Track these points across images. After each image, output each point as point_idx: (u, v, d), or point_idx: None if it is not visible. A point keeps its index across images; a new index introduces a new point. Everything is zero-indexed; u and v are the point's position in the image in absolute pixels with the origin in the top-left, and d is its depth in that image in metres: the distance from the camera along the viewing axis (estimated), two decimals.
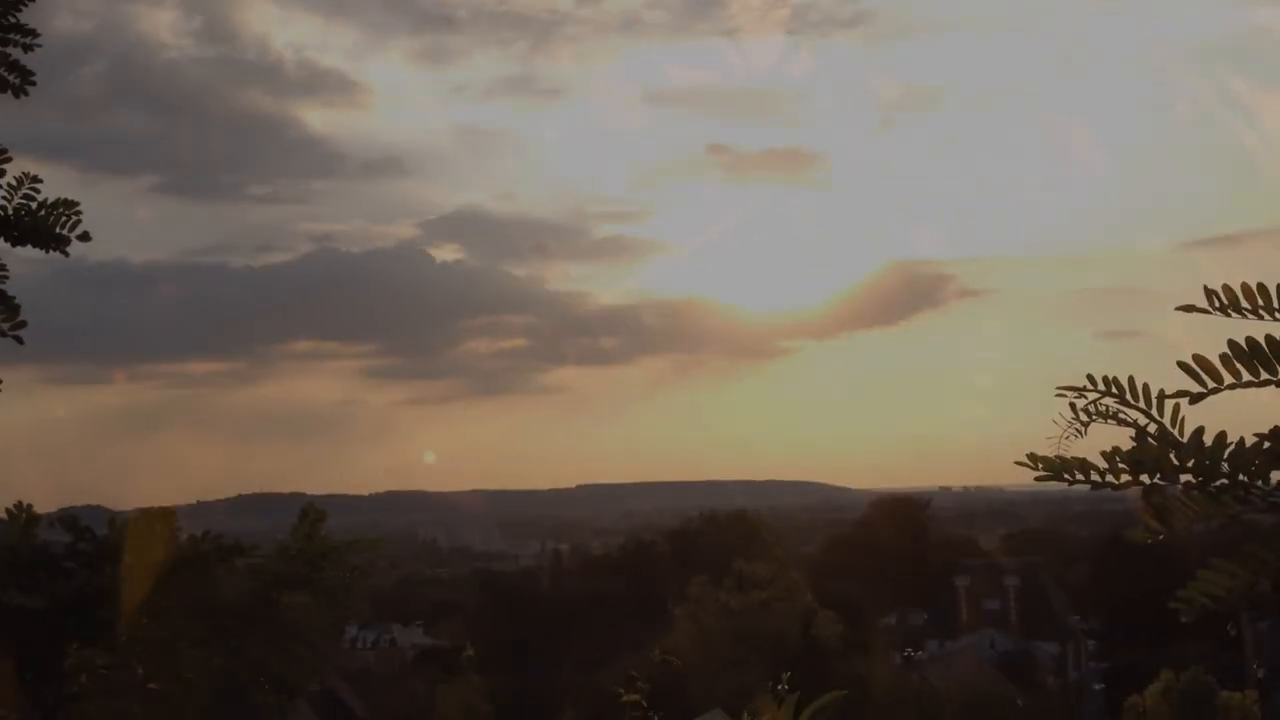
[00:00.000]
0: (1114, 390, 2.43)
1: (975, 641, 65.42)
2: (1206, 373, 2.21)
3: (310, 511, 3.48)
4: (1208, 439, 2.37)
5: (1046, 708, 46.87)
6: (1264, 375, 2.17)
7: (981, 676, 51.25)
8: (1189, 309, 2.19)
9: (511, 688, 55.07)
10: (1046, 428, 2.54)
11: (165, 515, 3.38)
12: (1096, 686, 63.20)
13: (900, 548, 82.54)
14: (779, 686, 2.75)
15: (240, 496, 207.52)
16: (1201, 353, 2.35)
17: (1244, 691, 44.62)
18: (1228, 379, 2.21)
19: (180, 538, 3.46)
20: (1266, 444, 2.36)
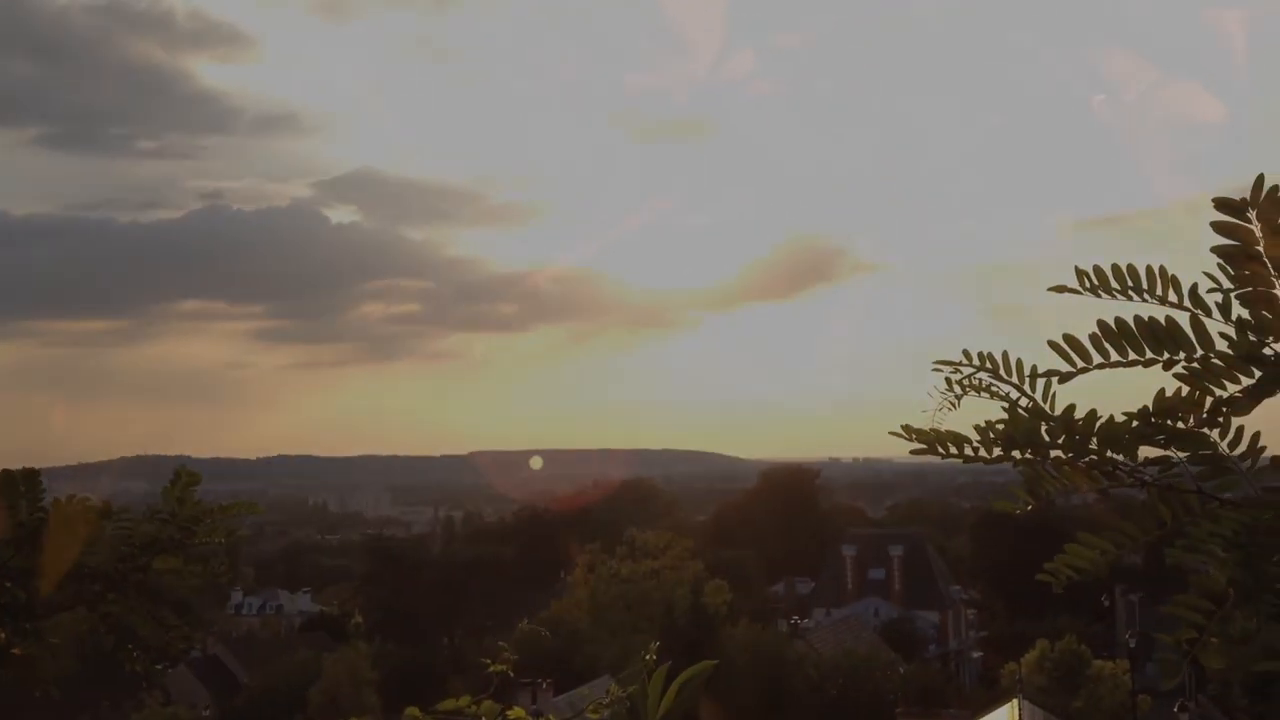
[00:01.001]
0: (988, 366, 2.46)
1: (860, 610, 66.66)
2: (1076, 352, 2.25)
3: (183, 474, 3.40)
4: (1079, 414, 2.43)
5: (926, 675, 47.96)
6: (1131, 355, 2.22)
7: (865, 644, 52.24)
8: (1060, 289, 2.23)
9: (400, 655, 54.74)
10: (929, 399, 2.57)
11: (29, 476, 3.27)
12: (975, 655, 64.85)
13: (789, 518, 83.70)
14: (648, 656, 2.73)
15: (123, 459, 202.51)
16: (1074, 333, 2.39)
17: (1115, 660, 46.16)
18: (1096, 359, 2.25)
19: (49, 500, 3.35)
20: (1135, 422, 2.42)
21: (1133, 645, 43.58)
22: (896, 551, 70.94)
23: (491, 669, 3.16)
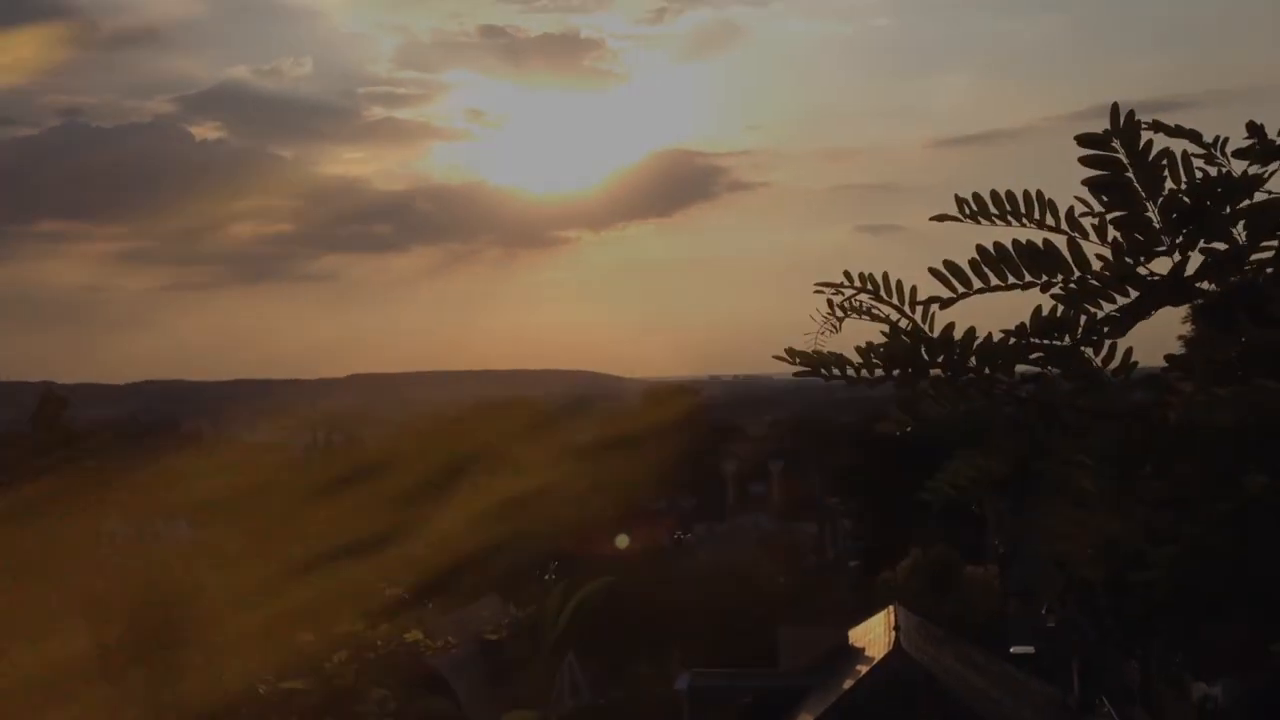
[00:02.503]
0: (869, 287, 2.52)
1: (741, 524, 67.96)
2: (956, 278, 2.32)
3: (49, 399, 3.31)
4: (958, 334, 2.50)
5: (805, 585, 49.23)
6: (1010, 279, 2.29)
7: (746, 557, 53.35)
8: (942, 218, 2.29)
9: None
10: (811, 320, 2.62)
11: None
12: (852, 564, 66.68)
13: (671, 435, 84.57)
14: (547, 576, 2.75)
15: None
16: (953, 257, 2.46)
17: (986, 566, 47.85)
18: (977, 284, 2.33)
19: None
20: (1012, 339, 2.50)
21: (1001, 551, 45.25)
22: (776, 466, 72.29)
23: (387, 593, 3.17)
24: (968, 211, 2.26)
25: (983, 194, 2.26)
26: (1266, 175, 2.45)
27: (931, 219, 2.30)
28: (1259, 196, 2.45)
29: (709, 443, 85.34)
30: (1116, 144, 2.16)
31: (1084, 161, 2.15)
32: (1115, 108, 2.16)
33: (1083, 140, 2.17)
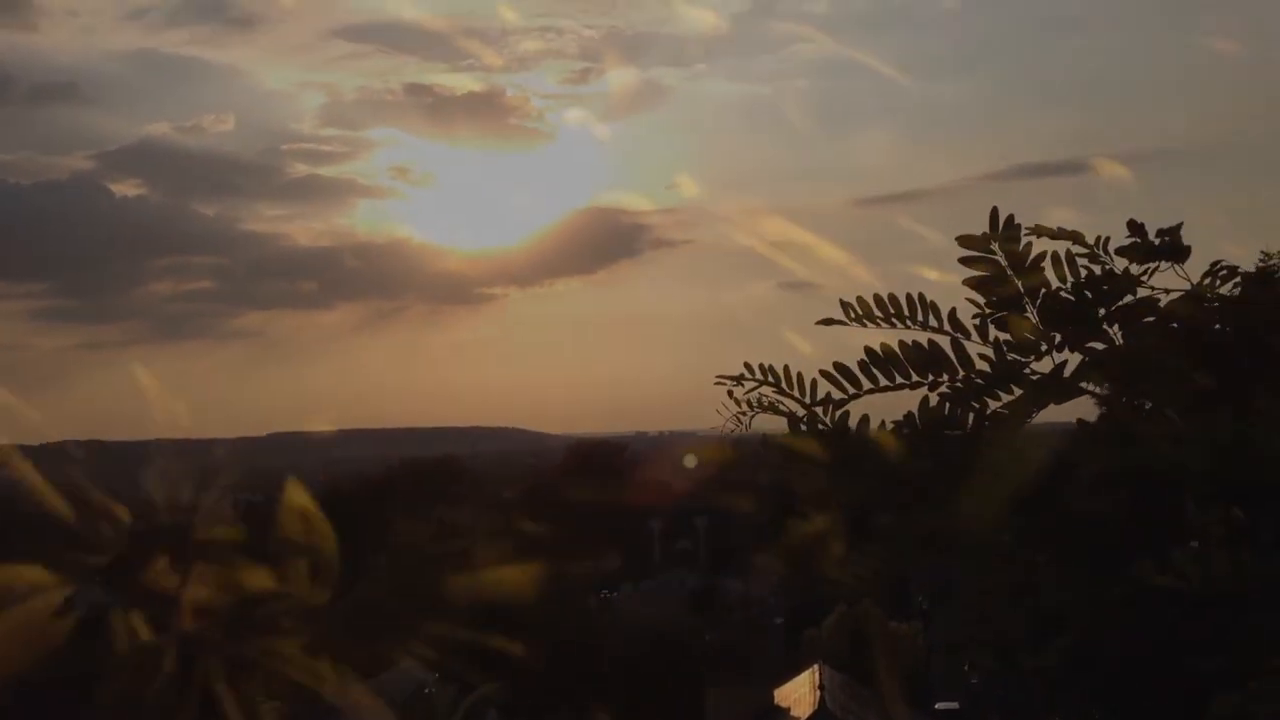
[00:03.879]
0: (770, 379, 2.54)
1: (667, 581, 67.77)
2: (846, 379, 2.35)
3: None
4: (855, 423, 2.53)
5: (731, 641, 49.12)
6: (899, 380, 2.33)
7: (672, 613, 53.17)
8: (829, 322, 2.33)
9: None
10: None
11: None
12: (778, 621, 66.71)
13: (597, 492, 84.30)
14: (427, 690, 2.74)
15: None
16: (843, 359, 2.50)
17: (910, 621, 48.14)
18: (866, 384, 2.36)
19: None
20: (905, 430, 2.54)
21: (925, 607, 45.55)
22: (702, 522, 72.29)
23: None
24: (853, 315, 2.30)
25: (866, 298, 2.31)
26: (1146, 274, 2.53)
27: (818, 323, 2.34)
28: (1143, 293, 2.53)
29: (635, 499, 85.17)
30: (995, 247, 2.22)
31: (964, 262, 2.21)
32: (994, 212, 2.22)
33: (963, 241, 2.23)
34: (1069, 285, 2.47)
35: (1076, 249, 2.53)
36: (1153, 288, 2.54)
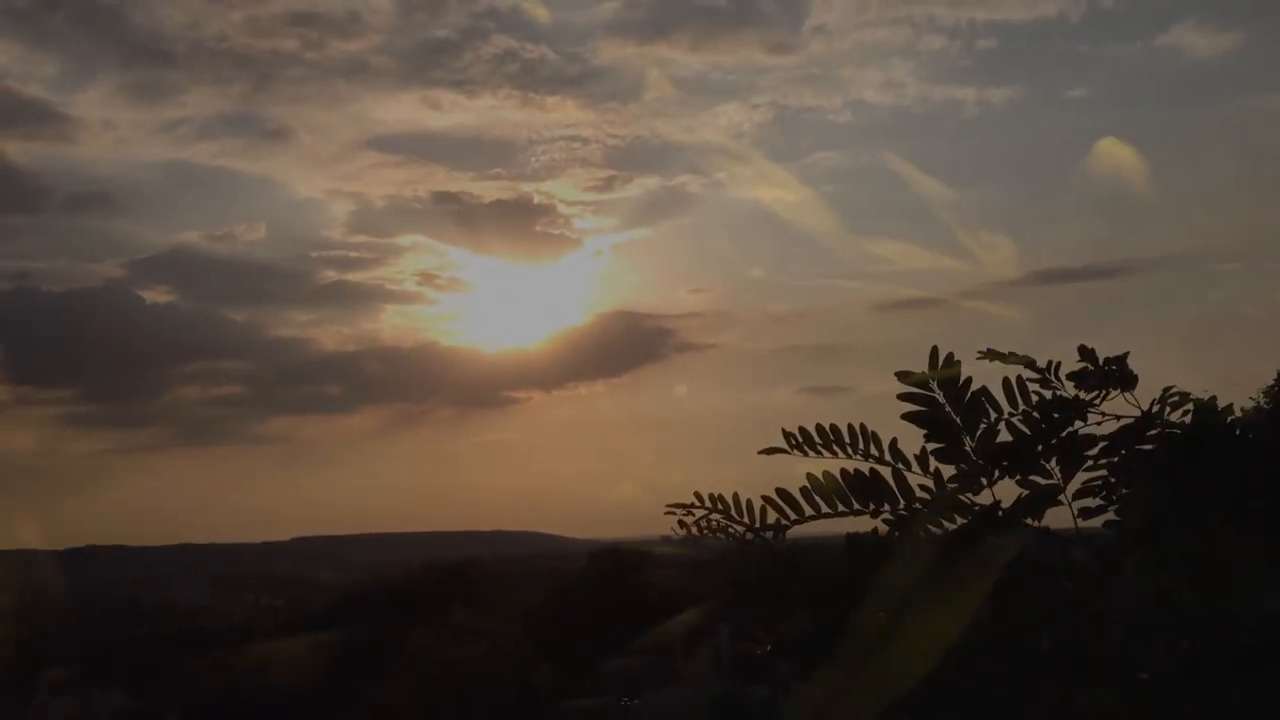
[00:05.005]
0: (719, 507, 2.58)
1: (690, 688, 66.77)
2: (790, 506, 2.39)
3: None
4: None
5: None
6: (840, 508, 2.36)
7: None
8: (770, 451, 2.37)
9: None
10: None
11: None
12: None
13: (620, 596, 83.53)
14: None
15: None
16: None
17: None
18: (809, 510, 2.40)
19: None
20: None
21: None
22: (727, 628, 71.41)
23: None
24: (794, 443, 2.34)
25: (809, 428, 2.35)
26: (1097, 401, 2.56)
27: (760, 452, 2.39)
28: (1093, 419, 2.56)
29: (659, 603, 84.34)
30: (933, 384, 2.26)
31: (902, 397, 2.25)
32: (934, 351, 2.27)
33: (901, 376, 2.28)
34: (1019, 412, 2.51)
35: (1028, 374, 2.57)
36: (1104, 414, 2.57)
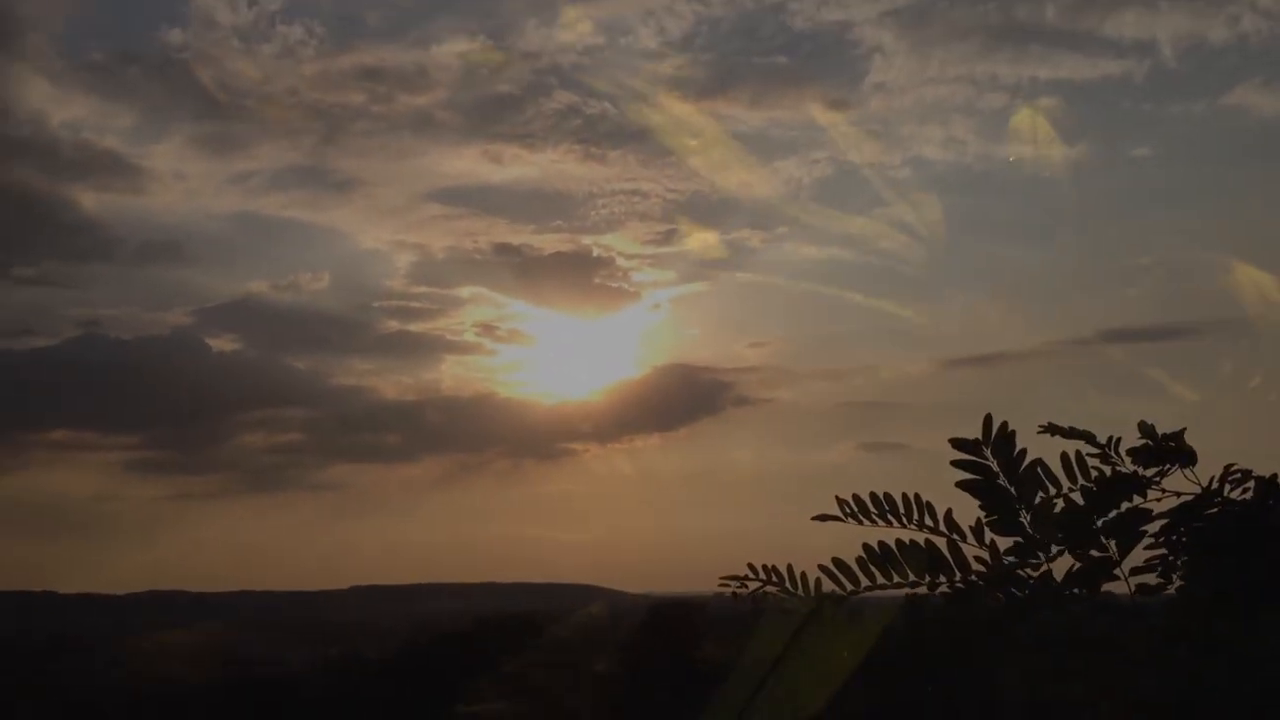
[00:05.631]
0: (774, 579, 2.58)
1: None
2: (845, 575, 2.39)
3: None
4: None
5: None
6: (895, 578, 2.36)
7: None
8: (824, 518, 2.38)
9: None
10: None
11: None
12: None
13: (677, 652, 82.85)
14: None
15: None
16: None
17: None
18: (865, 581, 2.40)
19: None
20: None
21: None
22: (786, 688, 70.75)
23: None
24: (848, 512, 2.35)
25: (863, 496, 2.36)
26: (1158, 476, 2.55)
27: (813, 519, 2.39)
28: (1152, 496, 2.54)
29: (717, 659, 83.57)
30: (987, 451, 2.26)
31: (955, 464, 2.25)
32: (988, 419, 2.27)
33: (955, 444, 2.28)
34: (1079, 487, 2.50)
35: (1088, 449, 2.56)
36: (1163, 490, 2.56)
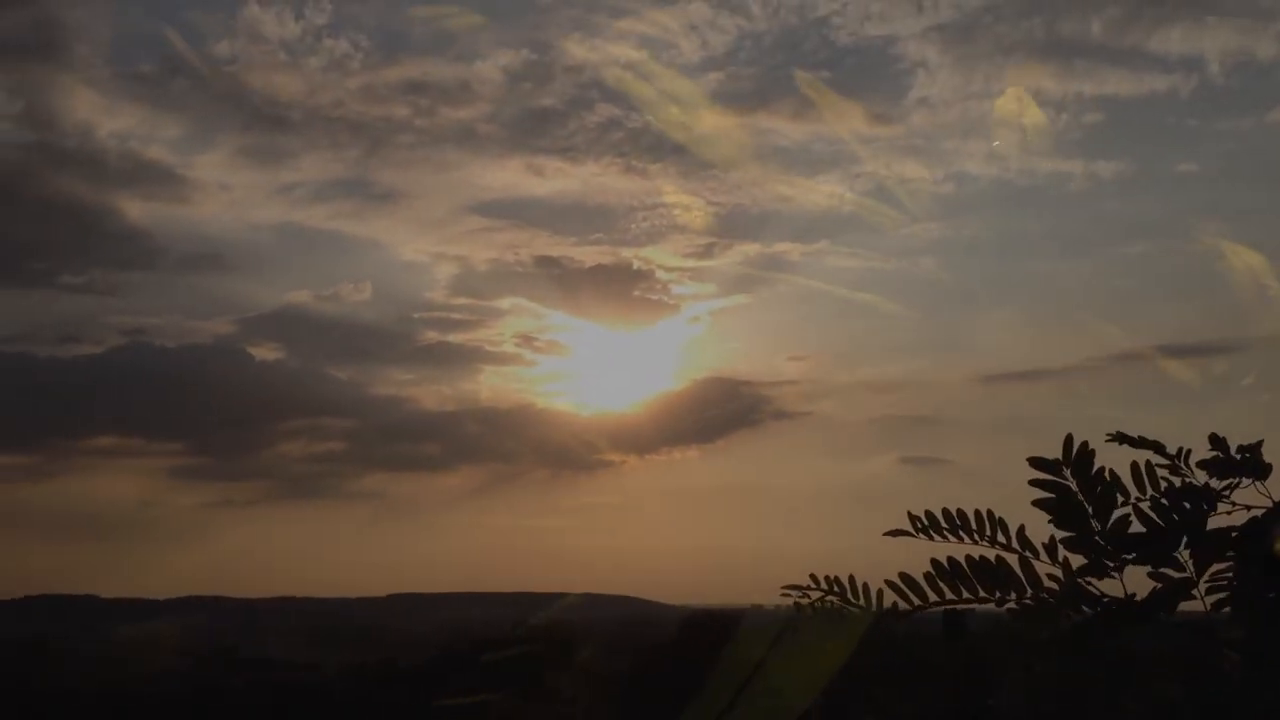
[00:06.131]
0: (835, 590, 2.56)
1: None
2: (912, 590, 2.36)
3: None
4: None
5: None
6: (965, 594, 2.33)
7: None
8: (896, 534, 2.35)
9: None
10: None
11: None
12: None
13: (711, 664, 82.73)
14: None
15: (28, 598, 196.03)
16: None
17: None
18: (933, 596, 2.37)
19: None
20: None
21: None
22: (819, 700, 70.50)
23: None
24: (919, 527, 2.32)
25: (934, 511, 2.33)
26: (1228, 489, 2.50)
27: (885, 534, 2.37)
28: (1223, 509, 2.50)
29: (750, 673, 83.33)
30: (1066, 471, 2.24)
31: (1034, 484, 2.23)
32: (1069, 439, 2.24)
33: (1034, 463, 2.25)
34: (1147, 498, 2.46)
35: (1157, 459, 2.53)
36: (1234, 503, 2.51)
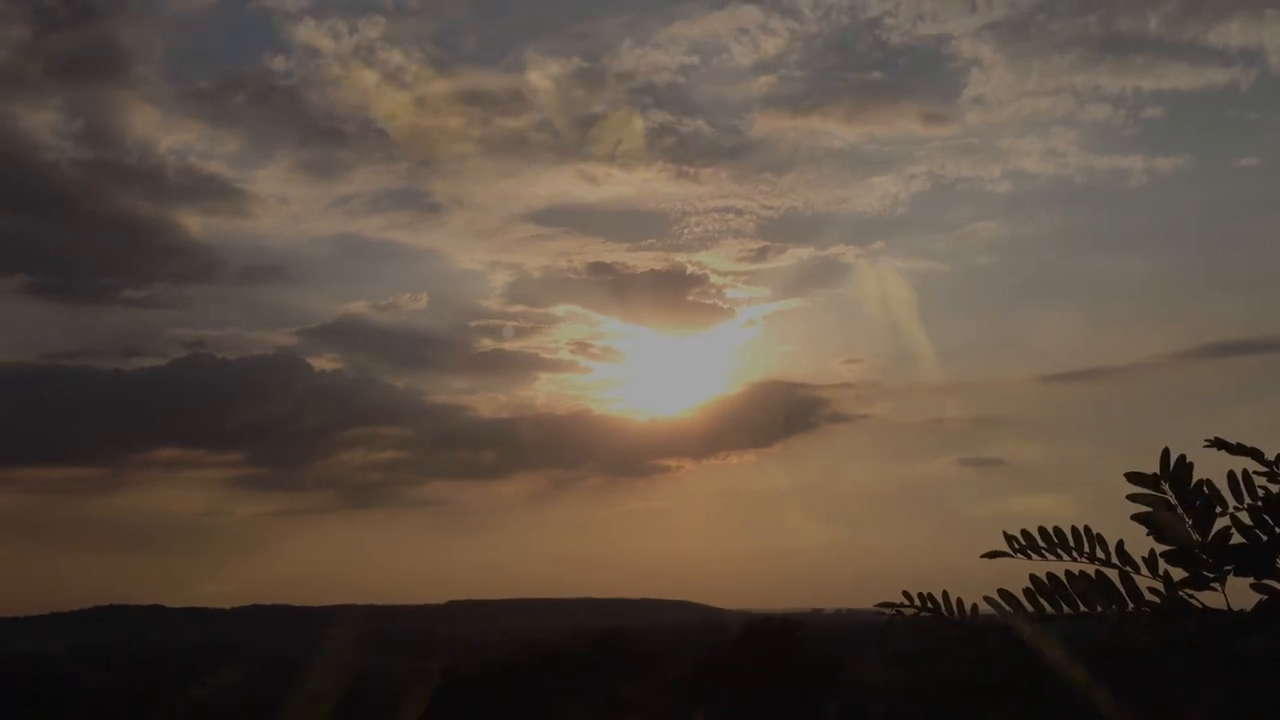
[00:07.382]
0: (929, 606, 2.56)
1: None
2: (1010, 605, 2.35)
3: None
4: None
5: None
6: (1065, 609, 2.33)
7: None
8: (994, 555, 2.34)
9: None
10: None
11: None
12: None
13: (771, 671, 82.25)
14: None
15: (95, 608, 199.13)
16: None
17: None
18: (1031, 611, 2.36)
19: None
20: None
21: None
22: (879, 706, 69.85)
23: None
24: (1017, 547, 2.32)
25: (1031, 530, 2.33)
26: None
27: (983, 556, 2.36)
28: None
29: (811, 679, 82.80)
30: (1164, 485, 2.22)
31: (1132, 498, 2.22)
32: (1165, 453, 2.23)
33: (1131, 478, 2.24)
34: (1245, 507, 2.43)
35: (1254, 466, 2.49)
36: None
